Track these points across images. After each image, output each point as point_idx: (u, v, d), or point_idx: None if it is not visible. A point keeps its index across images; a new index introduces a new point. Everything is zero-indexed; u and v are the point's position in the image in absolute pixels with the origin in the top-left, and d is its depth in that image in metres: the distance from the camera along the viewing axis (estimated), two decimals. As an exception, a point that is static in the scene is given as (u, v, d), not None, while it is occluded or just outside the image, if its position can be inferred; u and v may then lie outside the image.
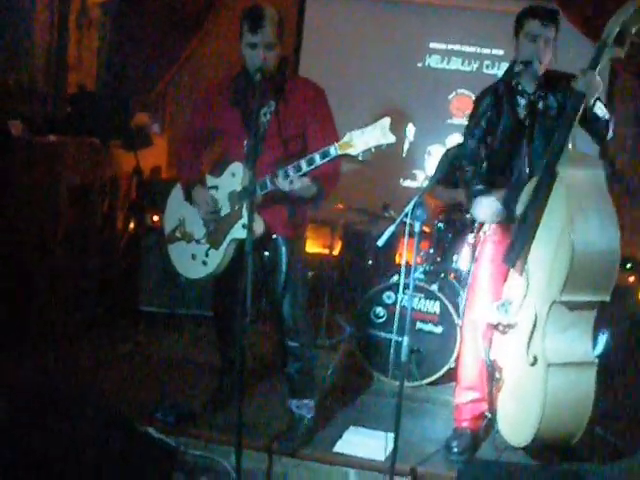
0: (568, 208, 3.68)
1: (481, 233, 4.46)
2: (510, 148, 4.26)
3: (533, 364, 3.85)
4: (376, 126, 3.66)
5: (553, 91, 4.18)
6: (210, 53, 8.67)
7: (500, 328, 4.14)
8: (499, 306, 4.10)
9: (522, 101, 4.25)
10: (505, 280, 4.21)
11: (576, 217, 3.66)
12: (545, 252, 3.85)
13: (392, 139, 3.66)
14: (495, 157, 4.30)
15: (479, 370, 4.39)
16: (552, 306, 3.77)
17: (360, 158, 3.71)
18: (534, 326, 3.86)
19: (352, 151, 3.69)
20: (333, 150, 3.73)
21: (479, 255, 4.46)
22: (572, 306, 3.78)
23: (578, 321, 3.85)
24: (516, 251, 3.96)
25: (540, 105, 4.22)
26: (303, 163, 3.82)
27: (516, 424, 4.06)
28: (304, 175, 3.85)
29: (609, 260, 3.73)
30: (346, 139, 3.70)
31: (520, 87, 4.25)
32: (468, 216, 5.67)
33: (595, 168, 3.84)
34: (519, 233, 3.97)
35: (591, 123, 3.94)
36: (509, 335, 4.11)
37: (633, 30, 3.67)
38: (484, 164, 4.29)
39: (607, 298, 3.77)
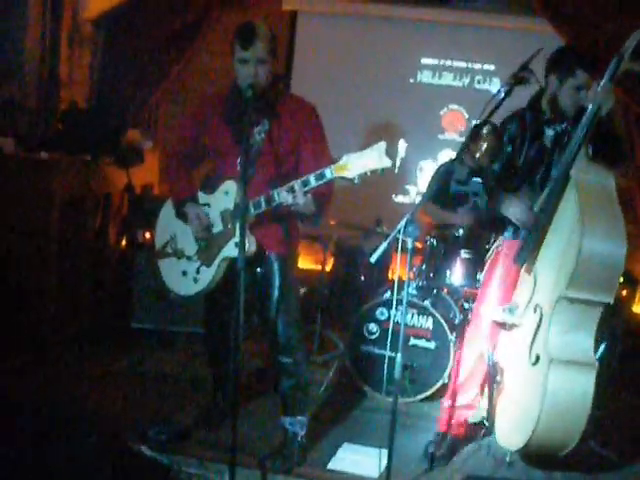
0: (579, 210, 3.78)
1: (494, 247, 4.55)
2: (528, 174, 4.32)
3: (535, 363, 3.89)
4: (373, 149, 3.66)
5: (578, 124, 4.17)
6: (202, 68, 8.70)
7: (506, 327, 4.20)
8: (505, 309, 4.14)
9: (550, 132, 4.30)
10: (514, 288, 4.27)
11: (586, 219, 3.75)
12: (554, 251, 3.94)
13: (388, 163, 3.66)
14: (513, 182, 4.36)
15: (475, 373, 4.48)
16: (557, 302, 3.83)
17: (355, 181, 3.70)
18: (539, 325, 3.92)
19: (348, 174, 3.69)
20: (329, 172, 3.73)
21: (489, 267, 4.54)
22: (577, 303, 3.83)
23: (582, 321, 3.90)
24: (527, 250, 4.07)
25: (565, 138, 4.25)
26: (298, 183, 3.82)
27: (513, 426, 4.08)
28: (306, 192, 3.85)
29: (614, 263, 3.80)
30: (342, 162, 3.70)
31: (547, 116, 4.30)
32: (461, 232, 5.69)
33: (606, 177, 3.94)
34: (531, 233, 4.07)
35: (607, 138, 4.00)
36: (513, 336, 4.17)
37: None
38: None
39: (610, 300, 3.83)
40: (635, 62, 3.76)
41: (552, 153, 4.28)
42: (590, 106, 3.84)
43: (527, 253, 4.06)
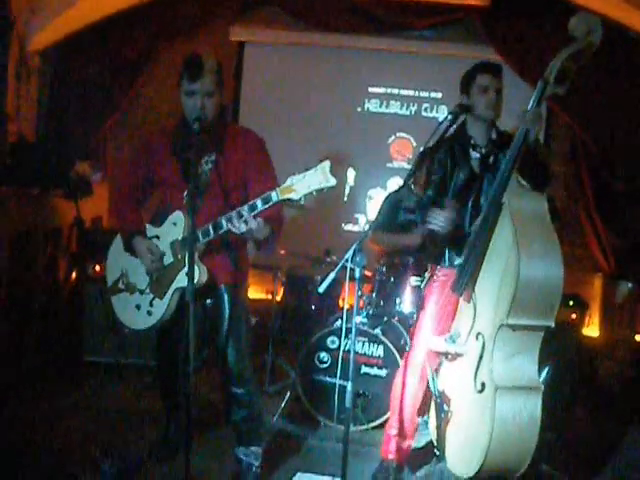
0: (513, 234, 3.78)
1: (434, 277, 4.52)
2: (461, 198, 4.35)
3: (481, 391, 3.88)
4: (317, 169, 3.67)
5: (502, 149, 4.24)
6: (150, 99, 8.70)
7: (449, 357, 4.19)
8: (447, 338, 4.13)
9: (475, 155, 4.37)
10: (453, 318, 4.26)
11: (521, 242, 3.75)
12: (491, 278, 3.93)
13: (333, 182, 3.67)
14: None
15: (415, 400, 4.48)
16: (499, 330, 3.82)
17: (302, 202, 3.72)
18: (482, 353, 3.91)
19: (294, 195, 3.69)
20: (274, 195, 3.73)
21: (426, 296, 4.52)
22: (518, 330, 3.83)
23: (524, 346, 3.90)
24: (464, 279, 4.04)
25: (491, 160, 4.35)
26: (245, 208, 3.82)
27: (464, 454, 4.06)
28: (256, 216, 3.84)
29: (552, 286, 3.80)
30: (287, 183, 3.70)
31: (473, 141, 4.38)
32: (410, 260, 5.73)
33: (538, 199, 3.95)
34: (467, 261, 4.05)
35: (532, 162, 4.01)
36: (457, 366, 4.16)
37: (574, 69, 3.82)
38: None
39: (551, 324, 3.83)
40: (559, 86, 3.83)
41: (482, 178, 4.34)
42: (518, 131, 3.89)
43: (465, 281, 4.04)
